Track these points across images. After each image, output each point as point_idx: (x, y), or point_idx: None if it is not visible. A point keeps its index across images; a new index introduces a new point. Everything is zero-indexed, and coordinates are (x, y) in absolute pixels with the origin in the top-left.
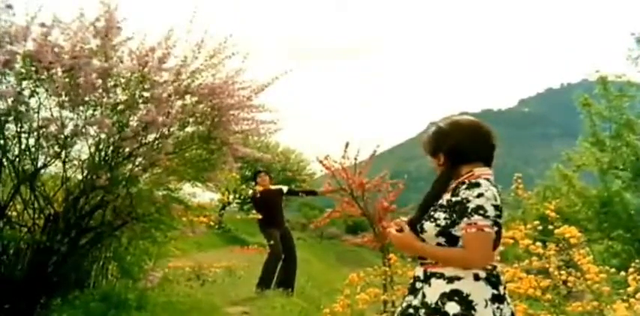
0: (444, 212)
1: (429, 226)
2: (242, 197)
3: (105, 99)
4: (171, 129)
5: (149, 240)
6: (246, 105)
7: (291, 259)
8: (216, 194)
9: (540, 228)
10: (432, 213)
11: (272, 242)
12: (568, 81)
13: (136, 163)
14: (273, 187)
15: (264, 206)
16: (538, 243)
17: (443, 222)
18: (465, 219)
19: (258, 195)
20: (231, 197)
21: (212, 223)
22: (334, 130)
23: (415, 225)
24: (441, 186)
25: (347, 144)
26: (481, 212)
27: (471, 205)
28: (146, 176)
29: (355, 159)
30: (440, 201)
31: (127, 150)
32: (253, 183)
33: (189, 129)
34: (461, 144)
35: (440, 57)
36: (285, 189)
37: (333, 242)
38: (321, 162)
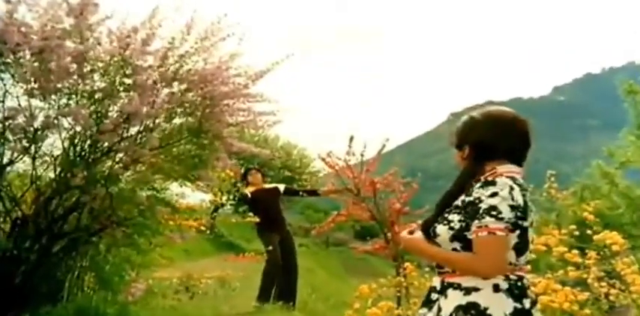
0: (459, 213)
1: (442, 229)
2: (236, 198)
3: (80, 87)
4: (157, 121)
5: (131, 247)
6: (241, 94)
7: (291, 268)
8: (207, 194)
9: (577, 233)
10: (447, 214)
11: (270, 248)
12: (610, 65)
13: (117, 159)
14: (267, 186)
15: (260, 207)
16: (575, 251)
17: (457, 225)
18: (476, 221)
19: (249, 196)
20: (224, 198)
21: (203, 227)
22: (339, 124)
23: (429, 228)
24: (460, 183)
25: (351, 139)
26: (494, 213)
27: (483, 205)
28: (128, 174)
29: (362, 155)
30: (456, 202)
31: (106, 144)
32: (243, 183)
33: (177, 120)
34: (489, 138)
35: (464, 40)
36: (282, 187)
37: (340, 250)
38: (323, 159)
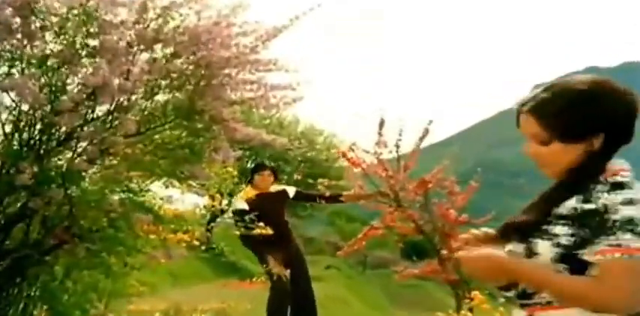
0: (568, 225)
1: (544, 247)
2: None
3: (27, 50)
4: (134, 98)
5: (98, 270)
6: (248, 61)
7: (305, 297)
8: (202, 198)
9: None
10: (548, 227)
11: (271, 267)
12: None
13: (79, 150)
14: (274, 188)
15: (259, 215)
16: None
17: (566, 241)
18: (605, 238)
19: (246, 207)
20: (224, 202)
21: (196, 242)
22: (368, 106)
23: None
24: (575, 185)
25: (381, 124)
26: (630, 227)
27: (616, 217)
28: (94, 170)
29: (397, 146)
30: (559, 209)
31: (64, 129)
32: (246, 184)
33: (160, 97)
34: (622, 118)
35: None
36: (292, 191)
37: (383, 273)
38: (343, 154)
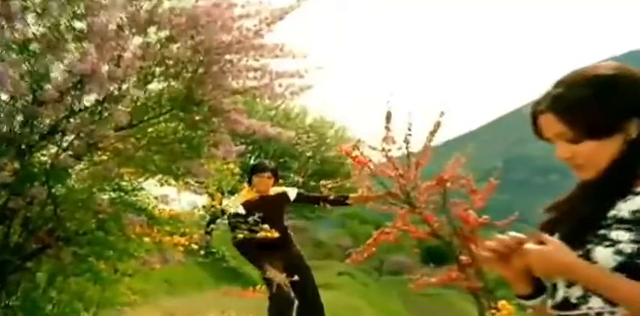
0: (631, 231)
1: (603, 254)
2: (219, 216)
3: (7, 34)
4: (125, 87)
5: (86, 277)
6: (252, 46)
7: (311, 305)
8: (201, 197)
9: None
10: (604, 231)
11: (270, 274)
12: None
13: (64, 145)
14: (274, 190)
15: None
16: None
17: (628, 248)
18: None
19: (243, 211)
20: (226, 202)
21: (194, 246)
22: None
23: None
24: (622, 183)
25: (388, 116)
26: None
27: None
28: (81, 167)
29: (406, 141)
30: (614, 212)
31: (48, 122)
32: (245, 186)
33: (155, 86)
34: None
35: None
36: (293, 193)
37: (401, 280)
38: (347, 153)
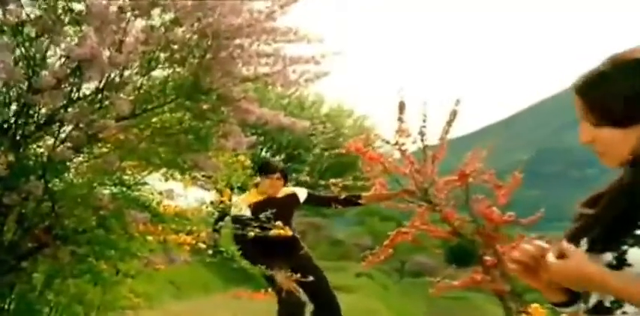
0: None
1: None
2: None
3: (0, 16)
4: (127, 73)
5: (86, 278)
6: (264, 30)
7: (328, 307)
8: (209, 192)
9: None
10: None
11: (276, 279)
12: None
13: (62, 136)
14: (282, 192)
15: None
16: None
17: None
18: None
19: (250, 214)
20: (235, 198)
21: (202, 245)
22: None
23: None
24: None
25: (401, 106)
26: None
27: None
28: (81, 159)
29: (421, 134)
30: None
31: (44, 111)
32: (258, 179)
33: (159, 73)
34: None
35: None
36: (303, 194)
37: (424, 282)
38: (357, 150)
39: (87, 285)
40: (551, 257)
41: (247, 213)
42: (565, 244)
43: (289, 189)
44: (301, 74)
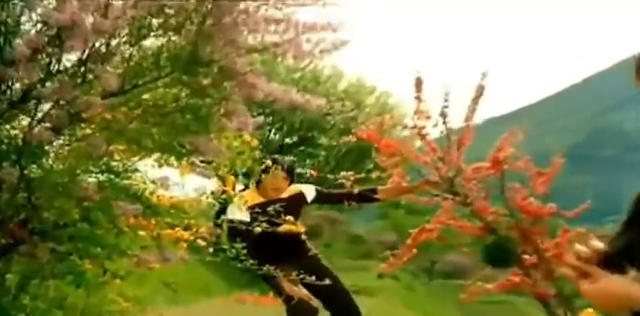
0: None
1: None
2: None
3: None
4: (114, 43)
5: (67, 280)
6: None
7: (343, 310)
8: (210, 180)
9: None
10: None
11: (283, 289)
12: None
13: (39, 115)
14: (288, 192)
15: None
16: None
17: None
18: None
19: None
20: (239, 187)
21: (201, 242)
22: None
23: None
24: None
25: (418, 83)
26: None
27: None
28: (61, 142)
29: (443, 115)
30: None
31: (18, 86)
32: (251, 183)
33: (151, 42)
34: None
35: None
36: (310, 193)
37: (456, 284)
38: (370, 137)
39: (68, 288)
40: (585, 284)
41: (245, 217)
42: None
43: (295, 188)
44: (316, 44)
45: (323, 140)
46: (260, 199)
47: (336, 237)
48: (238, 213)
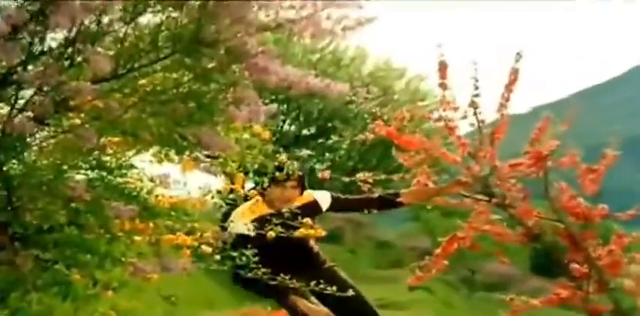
0: None
1: None
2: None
3: None
4: (106, 20)
5: (53, 291)
6: None
7: None
8: (216, 178)
9: None
10: None
11: (300, 304)
12: None
13: (20, 102)
14: (299, 200)
15: (272, 244)
16: None
17: None
18: None
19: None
20: (249, 185)
21: (206, 248)
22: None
23: None
24: None
25: (442, 66)
26: None
27: None
28: (46, 134)
29: (473, 106)
30: None
31: None
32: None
33: (148, 19)
34: None
35: None
36: (325, 201)
37: (499, 298)
38: (389, 134)
39: (54, 300)
40: None
41: (250, 231)
42: None
43: (308, 196)
44: (338, 21)
45: (346, 131)
46: (268, 210)
47: (361, 242)
48: (243, 227)
